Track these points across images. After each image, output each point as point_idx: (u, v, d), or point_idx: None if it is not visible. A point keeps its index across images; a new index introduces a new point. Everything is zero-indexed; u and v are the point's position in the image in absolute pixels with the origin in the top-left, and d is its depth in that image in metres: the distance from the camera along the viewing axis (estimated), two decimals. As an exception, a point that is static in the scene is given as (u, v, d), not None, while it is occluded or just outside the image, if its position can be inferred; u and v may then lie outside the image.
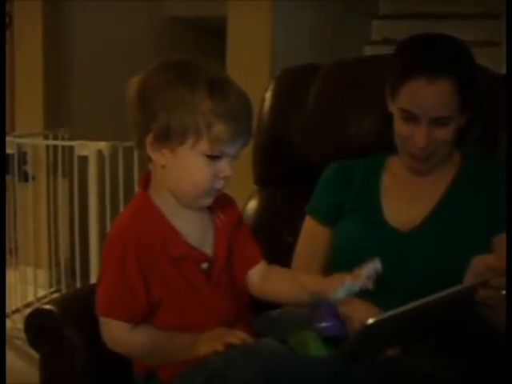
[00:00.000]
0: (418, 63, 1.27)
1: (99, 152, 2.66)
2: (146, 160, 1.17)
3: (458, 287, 1.07)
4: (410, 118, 1.28)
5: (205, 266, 1.16)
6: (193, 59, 1.15)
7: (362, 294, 1.23)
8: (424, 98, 1.25)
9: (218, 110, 1.08)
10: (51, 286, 3.19)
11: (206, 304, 1.16)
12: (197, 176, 1.11)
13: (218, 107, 1.08)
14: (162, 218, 1.14)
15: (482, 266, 1.12)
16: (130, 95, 1.13)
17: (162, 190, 1.16)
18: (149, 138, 1.11)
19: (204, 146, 1.09)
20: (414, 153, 1.32)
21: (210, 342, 1.10)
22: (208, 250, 1.17)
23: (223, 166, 1.11)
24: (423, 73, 1.25)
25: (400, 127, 1.32)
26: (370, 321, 0.98)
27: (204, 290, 1.16)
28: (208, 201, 1.16)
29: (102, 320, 1.14)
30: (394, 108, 1.33)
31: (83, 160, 2.72)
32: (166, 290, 1.13)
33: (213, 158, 1.10)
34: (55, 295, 2.90)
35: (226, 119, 1.08)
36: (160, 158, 1.12)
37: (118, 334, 1.13)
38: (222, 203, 1.21)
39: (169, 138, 1.09)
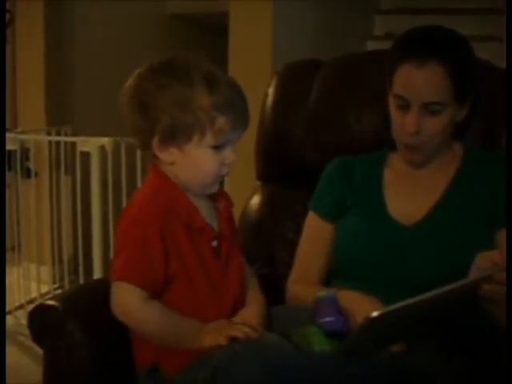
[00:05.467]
0: (409, 48, 1.29)
1: (102, 148, 2.66)
2: (150, 158, 1.19)
3: (462, 281, 1.06)
4: (403, 104, 1.30)
5: (214, 243, 1.20)
6: (178, 55, 1.17)
7: (365, 289, 1.24)
8: (414, 81, 1.27)
9: (218, 103, 1.11)
10: (54, 283, 3.20)
11: (214, 282, 1.18)
12: (206, 167, 1.16)
13: (217, 101, 1.11)
14: (184, 194, 1.18)
15: (487, 262, 1.12)
16: (125, 102, 1.16)
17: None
18: (155, 141, 1.14)
19: (209, 139, 1.13)
20: (407, 142, 1.33)
21: (214, 335, 1.11)
22: (216, 229, 1.21)
23: (228, 153, 1.16)
24: (413, 56, 1.26)
25: (393, 115, 1.33)
26: (374, 314, 0.98)
27: (213, 266, 1.18)
28: (216, 187, 1.21)
29: (117, 284, 1.13)
30: (390, 97, 1.34)
31: (86, 156, 2.73)
32: (181, 264, 1.14)
33: (218, 147, 1.15)
34: (58, 291, 2.90)
35: (226, 111, 1.12)
36: (168, 156, 1.15)
37: (130, 300, 1.13)
38: (220, 193, 1.26)
39: (175, 137, 1.13)
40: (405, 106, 1.29)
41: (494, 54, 2.16)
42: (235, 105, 1.13)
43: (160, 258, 1.12)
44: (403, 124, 1.30)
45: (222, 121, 1.12)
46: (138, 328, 1.17)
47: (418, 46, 1.28)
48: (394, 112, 1.33)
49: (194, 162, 1.15)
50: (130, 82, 1.16)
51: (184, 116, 1.11)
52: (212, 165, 1.15)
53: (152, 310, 1.13)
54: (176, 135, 1.12)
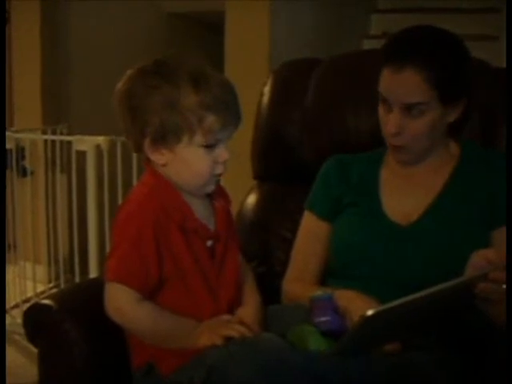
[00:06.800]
0: (389, 52, 1.30)
1: (97, 147, 2.66)
2: (144, 160, 1.20)
3: (457, 280, 1.06)
4: (385, 103, 1.31)
5: (209, 243, 1.20)
6: (170, 56, 1.17)
7: (361, 288, 1.23)
8: (392, 84, 1.28)
9: (205, 102, 1.11)
10: (50, 282, 3.20)
11: (210, 282, 1.17)
12: (198, 167, 1.15)
13: (205, 100, 1.11)
14: (179, 195, 1.17)
15: (482, 260, 1.12)
16: (117, 105, 1.17)
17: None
18: (146, 143, 1.14)
19: (199, 138, 1.13)
20: (390, 141, 1.34)
21: (210, 335, 1.11)
22: (212, 228, 1.21)
23: (220, 151, 1.16)
24: (390, 62, 1.28)
25: (380, 114, 1.34)
26: (369, 312, 0.98)
27: (207, 267, 1.18)
28: (211, 187, 1.20)
29: (111, 286, 1.13)
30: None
31: (81, 155, 2.72)
32: (175, 265, 1.15)
33: (209, 146, 1.14)
34: (54, 290, 2.90)
35: (215, 109, 1.12)
36: (160, 157, 1.16)
37: (122, 301, 1.13)
38: (218, 191, 1.25)
39: (165, 139, 1.13)
40: (386, 104, 1.30)
41: (491, 52, 2.16)
42: (225, 103, 1.13)
43: (153, 260, 1.12)
44: (386, 123, 1.31)
45: (211, 120, 1.12)
46: (131, 329, 1.17)
47: (397, 52, 1.28)
48: (380, 111, 1.34)
49: (187, 163, 1.15)
50: (120, 85, 1.17)
51: (172, 117, 1.11)
52: (205, 164, 1.15)
53: (145, 310, 1.13)
54: (166, 136, 1.13)
